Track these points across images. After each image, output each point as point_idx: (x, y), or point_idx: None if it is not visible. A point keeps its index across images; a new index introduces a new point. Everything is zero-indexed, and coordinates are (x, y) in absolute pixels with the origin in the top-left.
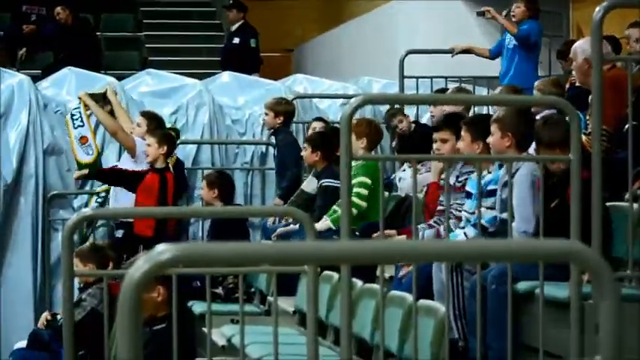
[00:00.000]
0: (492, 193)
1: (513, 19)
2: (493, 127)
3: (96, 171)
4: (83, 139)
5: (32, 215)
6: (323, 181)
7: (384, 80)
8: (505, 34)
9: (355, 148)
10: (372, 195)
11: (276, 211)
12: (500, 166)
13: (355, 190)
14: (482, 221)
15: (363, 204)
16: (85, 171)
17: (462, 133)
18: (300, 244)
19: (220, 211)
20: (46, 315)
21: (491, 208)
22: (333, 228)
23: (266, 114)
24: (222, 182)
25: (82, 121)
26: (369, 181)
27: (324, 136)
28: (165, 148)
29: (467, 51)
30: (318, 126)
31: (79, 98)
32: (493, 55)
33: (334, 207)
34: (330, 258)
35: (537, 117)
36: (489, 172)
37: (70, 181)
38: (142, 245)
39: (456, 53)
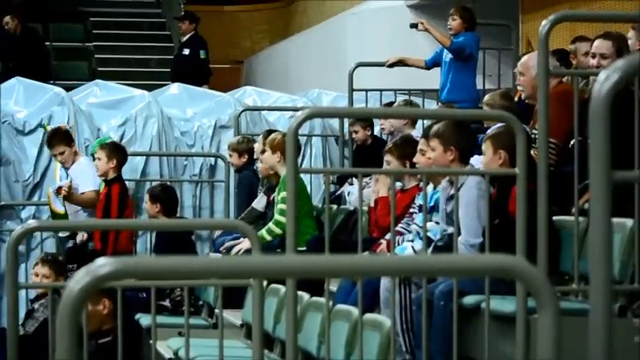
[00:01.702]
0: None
1: (450, 32)
2: (434, 143)
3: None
4: (59, 190)
5: None
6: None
7: (334, 93)
8: (442, 48)
9: (271, 162)
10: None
11: (224, 224)
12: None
13: (279, 206)
14: (430, 234)
15: (278, 231)
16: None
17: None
18: (245, 259)
19: (168, 224)
20: None
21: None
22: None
23: (230, 155)
24: (165, 196)
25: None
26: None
27: None
28: (115, 161)
29: (401, 62)
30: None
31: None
32: (429, 64)
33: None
34: (276, 272)
35: (489, 131)
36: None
37: (17, 192)
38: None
39: (390, 65)
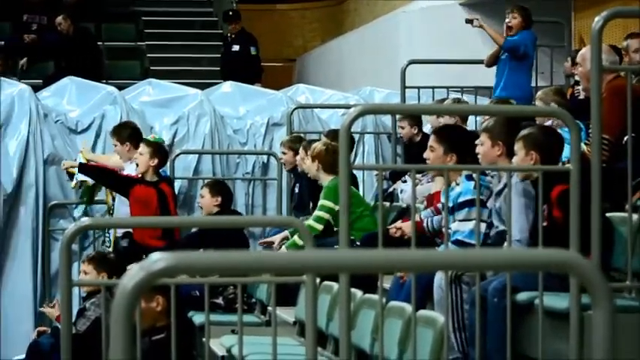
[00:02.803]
0: (463, 205)
1: (510, 31)
2: (483, 137)
3: (79, 164)
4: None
5: (32, 225)
6: None
7: (386, 90)
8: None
9: (312, 171)
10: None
11: (277, 221)
12: (469, 178)
13: (315, 213)
14: (461, 237)
15: (318, 227)
16: (75, 163)
17: (433, 143)
18: (298, 254)
19: (222, 221)
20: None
21: (465, 220)
22: None
23: (284, 153)
24: (224, 190)
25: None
26: (330, 204)
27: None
28: (156, 161)
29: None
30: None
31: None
32: (505, 48)
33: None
34: (328, 267)
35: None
36: (457, 184)
37: (70, 191)
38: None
39: (469, 21)
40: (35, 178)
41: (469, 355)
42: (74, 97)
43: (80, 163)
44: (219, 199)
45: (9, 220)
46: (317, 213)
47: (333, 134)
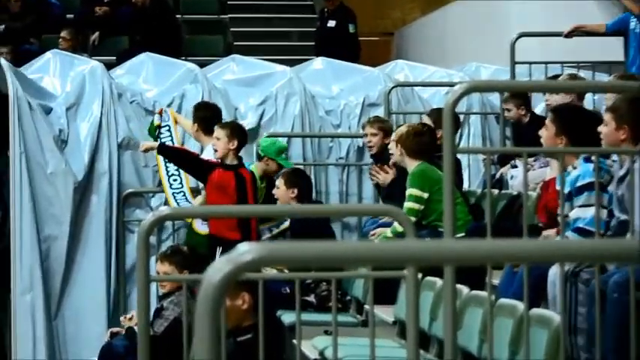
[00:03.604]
0: (583, 189)
1: None
2: (607, 117)
3: (159, 145)
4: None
5: (105, 216)
6: None
7: (493, 66)
8: (630, 15)
9: (396, 156)
10: (432, 199)
11: (374, 210)
12: (587, 160)
13: (405, 204)
14: (582, 224)
15: (412, 219)
16: (154, 144)
17: (547, 122)
18: (398, 244)
19: (312, 210)
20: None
21: (586, 205)
22: None
23: (374, 134)
24: (301, 181)
25: (171, 137)
26: (417, 192)
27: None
28: (236, 143)
29: (579, 30)
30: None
31: (160, 114)
32: (610, 29)
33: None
34: (432, 258)
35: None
36: (574, 168)
37: (147, 178)
38: (222, 248)
39: (568, 34)
40: (109, 164)
41: (587, 355)
42: (151, 75)
43: (160, 144)
44: (296, 191)
45: (80, 211)
46: (406, 205)
47: (436, 114)
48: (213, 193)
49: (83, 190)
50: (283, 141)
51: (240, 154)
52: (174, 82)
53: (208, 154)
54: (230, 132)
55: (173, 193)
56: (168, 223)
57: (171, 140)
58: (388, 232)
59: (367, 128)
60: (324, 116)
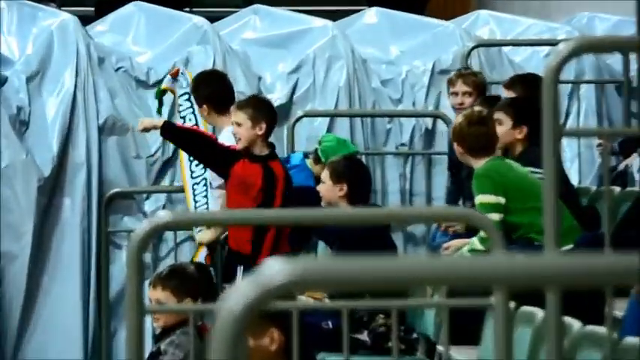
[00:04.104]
0: None
1: None
2: None
3: (164, 123)
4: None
5: (82, 225)
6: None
7: (613, 17)
8: None
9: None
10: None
11: (447, 214)
12: None
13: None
14: None
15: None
16: (157, 122)
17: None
18: (481, 260)
19: (364, 215)
20: None
21: None
22: None
23: (467, 93)
24: (353, 174)
25: (193, 110)
26: (488, 198)
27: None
28: (264, 126)
29: None
30: None
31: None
32: None
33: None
34: (530, 279)
35: None
36: None
37: (139, 172)
38: (242, 266)
39: None
40: (86, 154)
41: None
42: (143, 34)
43: (165, 122)
44: (346, 187)
45: (47, 217)
46: (480, 234)
47: (525, 85)
48: (234, 194)
49: (51, 190)
50: (352, 144)
51: (271, 140)
52: (176, 43)
53: (225, 139)
54: (253, 112)
55: (195, 201)
56: (169, 235)
57: (193, 114)
58: (475, 241)
59: (458, 85)
60: (380, 88)
